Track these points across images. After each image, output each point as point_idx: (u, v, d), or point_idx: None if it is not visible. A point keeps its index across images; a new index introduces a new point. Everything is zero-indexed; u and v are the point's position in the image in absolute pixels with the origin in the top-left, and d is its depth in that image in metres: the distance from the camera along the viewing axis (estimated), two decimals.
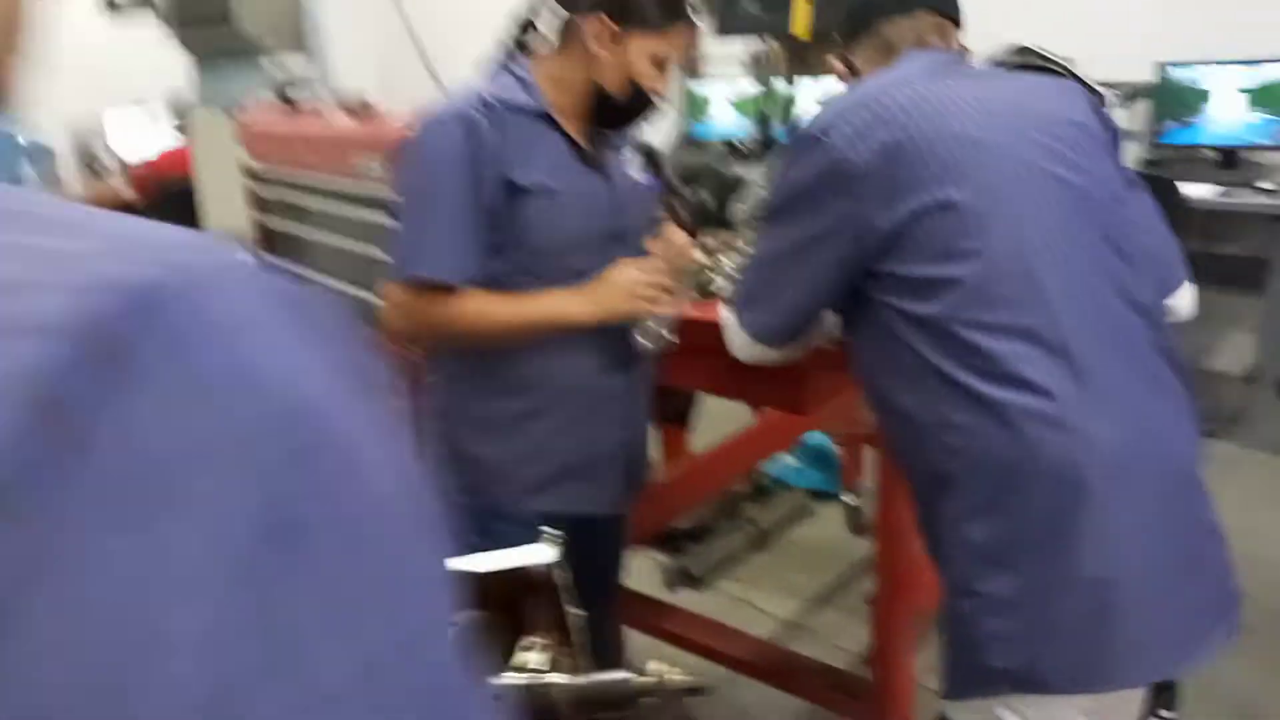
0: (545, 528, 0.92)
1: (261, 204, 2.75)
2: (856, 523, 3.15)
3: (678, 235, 1.61)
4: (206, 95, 5.30)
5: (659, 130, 5.07)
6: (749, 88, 4.89)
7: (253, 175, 2.74)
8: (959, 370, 1.18)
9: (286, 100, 2.97)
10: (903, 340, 1.23)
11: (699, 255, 2.08)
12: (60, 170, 6.34)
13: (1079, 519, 1.12)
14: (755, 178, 3.95)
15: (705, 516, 3.14)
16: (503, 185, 1.48)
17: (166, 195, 5.80)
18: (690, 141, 5.18)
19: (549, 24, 1.54)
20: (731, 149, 5.05)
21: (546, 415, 1.60)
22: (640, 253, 1.61)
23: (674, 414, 2.97)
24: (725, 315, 1.45)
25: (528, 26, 1.60)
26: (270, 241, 2.79)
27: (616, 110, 1.56)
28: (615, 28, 1.49)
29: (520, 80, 1.54)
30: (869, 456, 2.92)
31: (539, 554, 0.89)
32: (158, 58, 5.51)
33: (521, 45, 1.60)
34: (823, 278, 1.30)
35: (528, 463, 1.61)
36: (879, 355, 1.30)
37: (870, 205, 1.23)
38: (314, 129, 2.36)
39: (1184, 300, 1.45)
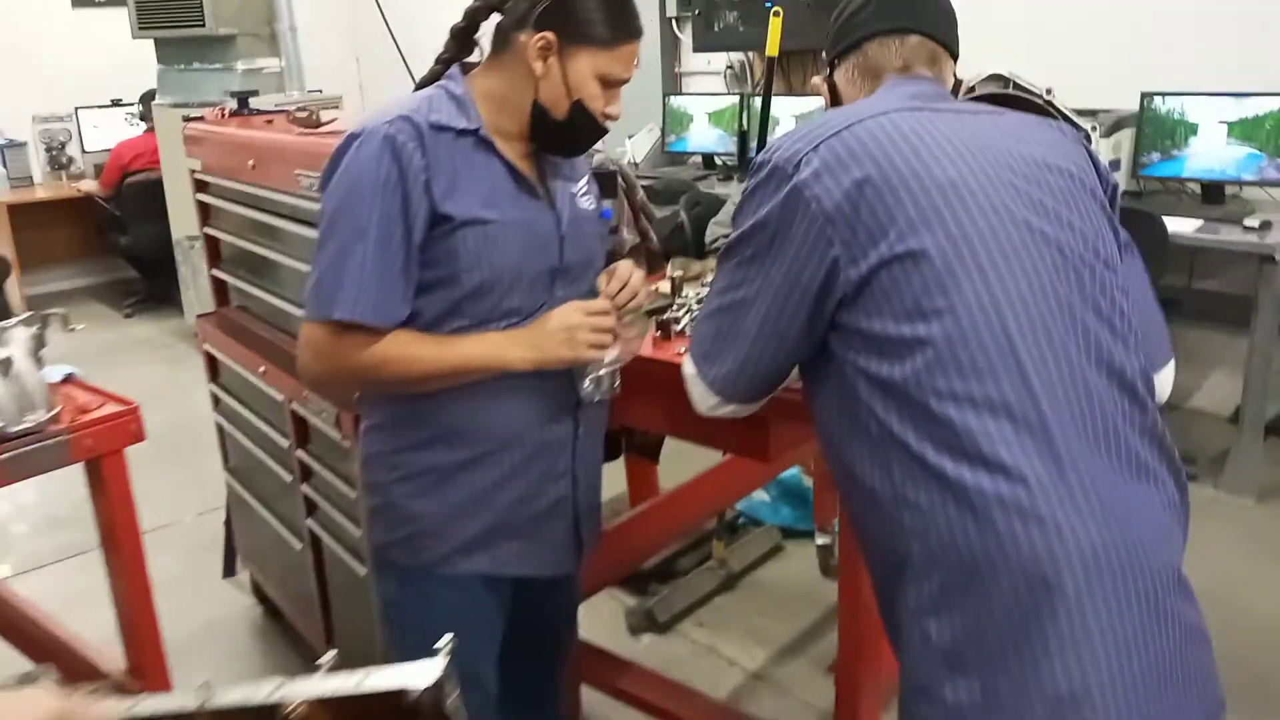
0: (439, 644, 0.78)
1: (207, 213, 2.59)
2: (829, 564, 3.00)
3: (629, 271, 1.46)
4: (174, 93, 5.18)
5: (640, 145, 4.96)
6: (726, 102, 4.81)
7: (199, 184, 2.58)
8: (925, 444, 1.04)
9: (243, 104, 2.81)
10: (865, 404, 1.10)
11: (664, 289, 1.95)
12: (30, 164, 6.23)
13: (1049, 623, 0.99)
14: (733, 196, 3.85)
15: (673, 555, 3.00)
16: (431, 216, 1.34)
17: (131, 188, 5.69)
18: (669, 157, 5.05)
19: (489, 36, 1.40)
20: (709, 164, 4.94)
21: (481, 468, 1.45)
22: (588, 291, 1.46)
23: (643, 448, 2.82)
24: (686, 368, 1.31)
25: (465, 38, 1.45)
26: (217, 254, 2.64)
27: (560, 134, 1.41)
28: (558, 43, 1.34)
29: (455, 98, 1.39)
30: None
31: (420, 674, 0.74)
32: (131, 55, 5.41)
33: (458, 59, 1.45)
34: (787, 328, 1.16)
35: (461, 520, 1.47)
36: (839, 416, 1.16)
37: (837, 249, 1.10)
38: (258, 138, 2.21)
39: (1166, 380, 1.30)
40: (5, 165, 6.07)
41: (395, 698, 0.75)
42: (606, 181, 1.74)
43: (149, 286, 6.22)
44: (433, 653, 1.51)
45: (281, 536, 2.50)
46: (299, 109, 2.26)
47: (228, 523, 3.01)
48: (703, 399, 1.28)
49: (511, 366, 1.38)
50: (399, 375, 1.37)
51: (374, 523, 1.53)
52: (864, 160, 1.09)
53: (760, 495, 3.25)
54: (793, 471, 3.20)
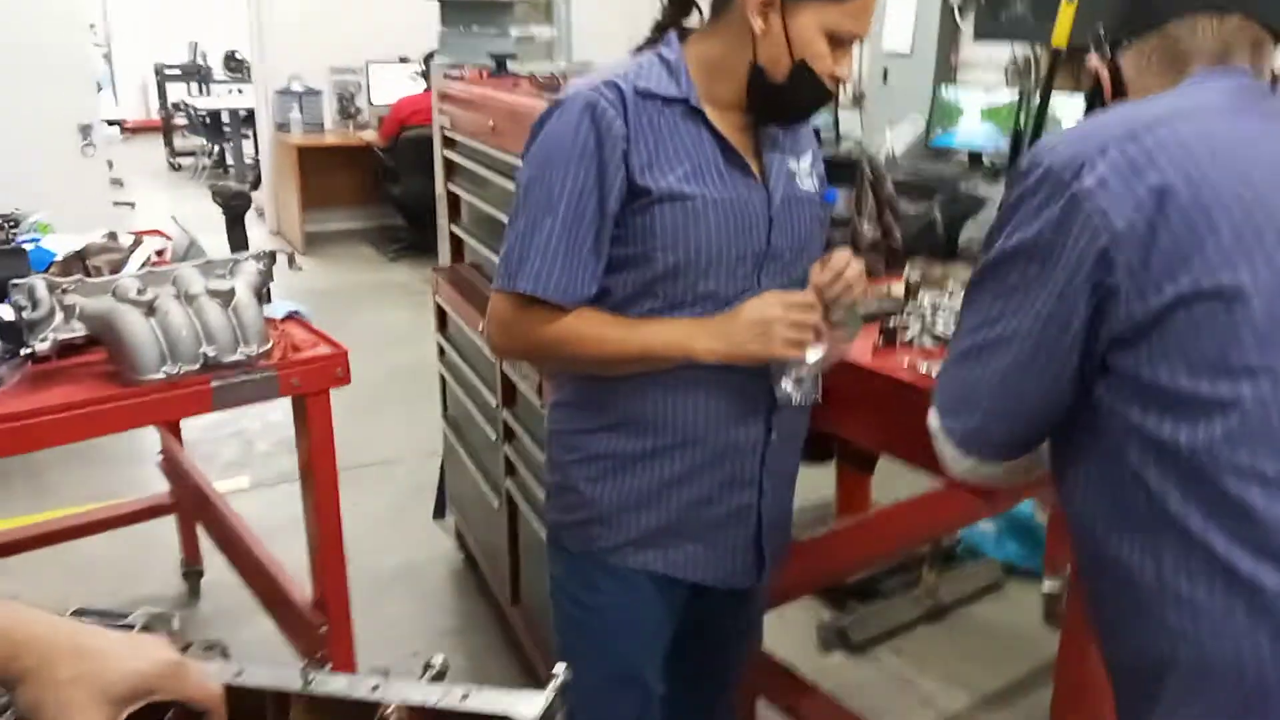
0: (555, 670, 0.68)
1: (451, 170, 2.65)
2: (1053, 612, 2.69)
3: (845, 262, 1.29)
4: (452, 54, 5.43)
5: (901, 136, 4.66)
6: (1005, 97, 4.40)
7: (447, 141, 2.64)
8: (1213, 531, 0.84)
9: (500, 66, 2.85)
10: (1135, 471, 0.89)
11: (897, 291, 1.76)
12: (323, 112, 6.79)
13: None
14: (997, 199, 3.50)
15: (878, 574, 2.79)
16: (628, 188, 1.23)
17: (406, 141, 6.05)
18: (931, 151, 4.72)
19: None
20: (976, 163, 4.57)
21: (661, 462, 1.34)
22: (799, 280, 1.31)
23: (857, 457, 2.63)
24: (931, 421, 1.09)
25: (684, 1, 1.34)
26: (456, 210, 2.69)
27: (779, 98, 1.26)
28: None
29: (667, 64, 1.28)
30: None
31: (526, 704, 0.65)
32: (421, 15, 5.72)
33: (676, 24, 1.34)
34: (1059, 372, 0.94)
35: (636, 512, 1.37)
36: (1096, 482, 0.95)
37: (1120, 276, 0.88)
38: (497, 99, 2.20)
39: None
40: (301, 110, 6.64)
41: None
42: (846, 170, 1.58)
43: (412, 235, 6.62)
44: (588, 648, 1.41)
45: (482, 491, 2.53)
46: (548, 75, 2.23)
47: (442, 468, 3.11)
48: (955, 460, 1.07)
49: (696, 356, 1.26)
50: (580, 355, 1.29)
51: (551, 500, 1.48)
52: (1167, 170, 0.87)
53: (984, 525, 2.96)
54: (1026, 504, 2.89)
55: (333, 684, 0.72)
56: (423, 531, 3.19)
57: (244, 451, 3.79)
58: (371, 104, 6.79)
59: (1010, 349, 0.96)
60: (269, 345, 1.62)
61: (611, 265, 1.28)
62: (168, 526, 2.87)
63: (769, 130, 1.34)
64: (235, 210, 2.10)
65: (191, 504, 2.72)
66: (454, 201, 2.68)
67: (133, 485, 3.26)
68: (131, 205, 5.56)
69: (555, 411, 1.45)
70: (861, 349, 1.51)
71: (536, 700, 0.67)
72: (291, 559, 2.06)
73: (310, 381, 1.66)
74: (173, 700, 0.66)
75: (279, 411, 3.51)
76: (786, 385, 1.29)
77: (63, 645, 0.61)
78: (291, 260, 1.73)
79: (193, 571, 2.87)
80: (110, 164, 4.17)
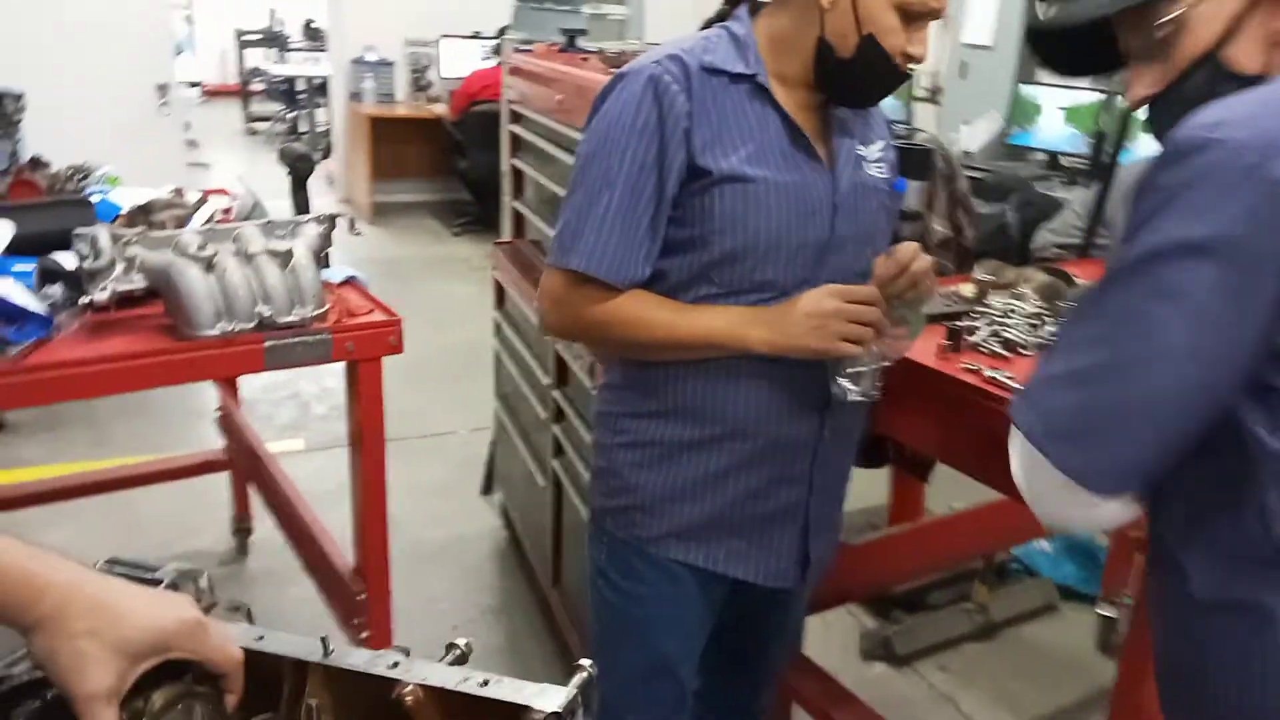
0: (583, 662, 0.66)
1: (516, 145, 2.62)
2: (1109, 639, 2.59)
3: (911, 255, 1.21)
4: (525, 30, 5.43)
5: (977, 133, 4.54)
6: (1088, 97, 4.25)
7: (514, 115, 2.62)
8: None
9: (570, 42, 2.82)
10: (1270, 506, 0.78)
11: (966, 291, 1.69)
12: (395, 83, 6.84)
13: None
14: (1075, 203, 3.38)
15: (926, 585, 2.71)
16: (688, 168, 1.19)
17: (475, 116, 6.07)
18: (1008, 149, 4.58)
19: None
20: (1054, 164, 4.42)
21: (708, 452, 1.30)
22: (863, 272, 1.25)
23: (913, 463, 2.56)
24: (1021, 452, 0.90)
25: None
26: (520, 185, 2.67)
27: (846, 76, 1.21)
28: None
29: (735, 40, 1.23)
30: (1142, 563, 2.37)
31: (547, 698, 0.62)
32: None
33: None
34: (1219, 389, 0.80)
35: (680, 502, 1.33)
36: (1213, 532, 0.84)
37: None
38: (564, 73, 2.17)
39: None
40: (375, 81, 6.69)
41: (515, 713, 0.63)
42: (918, 159, 1.51)
43: (478, 210, 6.64)
44: (624, 637, 1.38)
45: (529, 469, 2.52)
46: (617, 51, 2.19)
47: (493, 444, 3.11)
48: (1046, 490, 0.89)
49: (749, 347, 1.21)
50: (630, 338, 1.25)
51: (595, 484, 1.44)
52: None
53: (1040, 544, 2.86)
54: None
55: (353, 657, 0.69)
56: (470, 507, 3.19)
57: (300, 414, 3.83)
58: (442, 77, 6.82)
59: (1168, 365, 0.80)
60: (324, 308, 1.61)
61: (667, 248, 1.23)
62: (221, 483, 2.92)
63: (838, 114, 1.29)
64: (300, 173, 2.11)
65: (245, 462, 2.75)
66: (518, 177, 2.66)
67: (191, 440, 3.32)
68: (206, 166, 5.66)
69: (604, 393, 1.41)
70: (925, 349, 1.45)
71: (558, 694, 0.63)
72: (339, 524, 2.07)
73: (363, 348, 1.65)
74: (190, 660, 0.64)
75: (335, 376, 3.55)
76: (843, 382, 1.24)
77: (81, 596, 0.59)
78: (352, 225, 1.72)
79: (242, 529, 2.91)
80: (187, 125, 4.24)
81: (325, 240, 1.67)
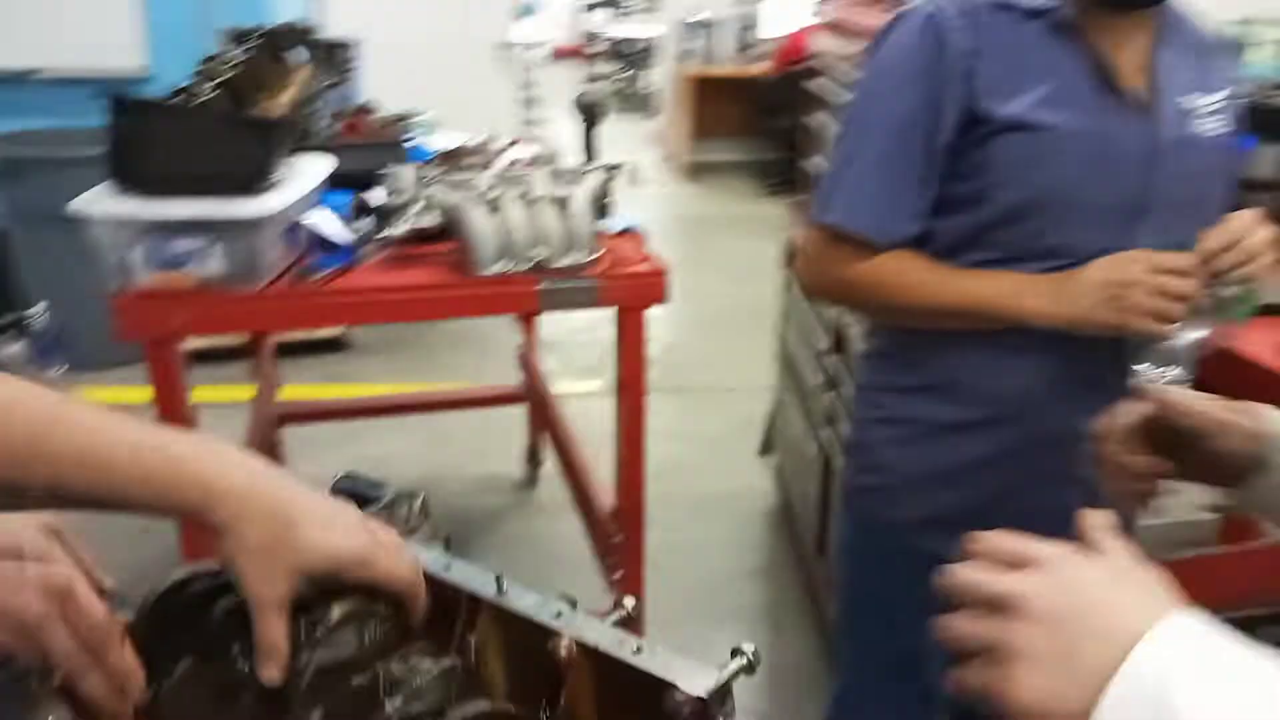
0: (745, 647, 0.61)
1: (816, 100, 2.52)
2: None
3: (1248, 226, 1.01)
4: None
5: None
6: None
7: (816, 71, 2.51)
8: None
9: None
10: None
11: None
12: (717, 46, 6.89)
13: None
14: None
15: (1253, 617, 2.33)
16: (967, 114, 1.05)
17: (793, 75, 5.96)
18: None
19: None
20: None
21: (971, 437, 1.17)
22: (1179, 245, 1.04)
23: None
24: None
25: None
26: (814, 143, 2.57)
27: None
28: None
29: None
30: None
31: (696, 679, 0.58)
32: None
33: None
34: None
35: (936, 489, 1.21)
36: None
37: None
38: (865, 23, 2.03)
39: None
40: (704, 40, 6.78)
41: (659, 687, 0.59)
42: (1276, 116, 1.25)
43: (792, 170, 6.56)
44: (870, 627, 1.28)
45: (802, 434, 2.45)
46: None
47: (774, 405, 3.07)
48: None
49: (1026, 317, 1.06)
50: (889, 302, 1.14)
51: (847, 459, 1.36)
52: None
53: None
54: None
55: (524, 600, 0.69)
56: (746, 465, 3.18)
57: (601, 357, 4.00)
58: (760, 38, 6.77)
59: None
60: (596, 255, 1.64)
61: (940, 206, 1.11)
62: (520, 415, 3.12)
63: (1166, 54, 1.09)
64: (590, 120, 2.17)
65: (538, 397, 2.92)
66: (816, 134, 2.56)
67: (508, 373, 3.58)
68: (539, 122, 6.01)
69: (865, 363, 1.32)
70: (1259, 342, 1.22)
71: (709, 676, 0.59)
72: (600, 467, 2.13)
73: (629, 296, 1.66)
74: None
75: None
76: (1145, 369, 1.06)
77: (258, 504, 0.60)
78: (634, 176, 1.73)
79: (534, 460, 3.10)
80: (528, 83, 4.52)
81: (604, 190, 1.70)
